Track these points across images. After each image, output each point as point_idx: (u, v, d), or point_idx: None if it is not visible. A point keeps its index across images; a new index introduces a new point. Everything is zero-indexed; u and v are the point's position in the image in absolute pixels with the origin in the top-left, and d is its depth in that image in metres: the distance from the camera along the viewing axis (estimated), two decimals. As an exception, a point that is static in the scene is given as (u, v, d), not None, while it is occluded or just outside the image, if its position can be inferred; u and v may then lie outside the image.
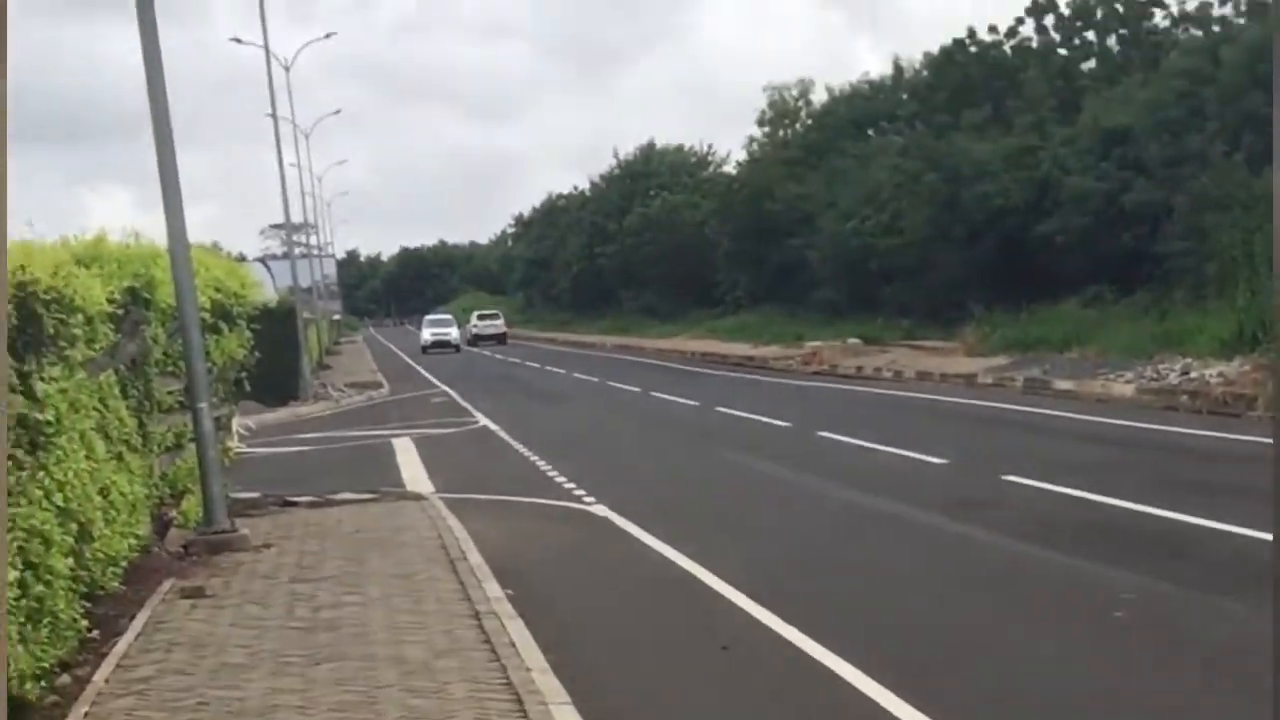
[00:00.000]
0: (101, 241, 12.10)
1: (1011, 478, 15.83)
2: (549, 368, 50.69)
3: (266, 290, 58.94)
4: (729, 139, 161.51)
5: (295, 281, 43.41)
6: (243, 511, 15.19)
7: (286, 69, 55.39)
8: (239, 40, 47.32)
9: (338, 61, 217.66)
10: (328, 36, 63.92)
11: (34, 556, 7.75)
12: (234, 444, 16.78)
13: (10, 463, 7.77)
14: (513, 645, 8.24)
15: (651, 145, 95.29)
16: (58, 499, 8.28)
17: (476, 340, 79.08)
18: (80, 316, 9.61)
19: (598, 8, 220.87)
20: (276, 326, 38.60)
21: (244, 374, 16.56)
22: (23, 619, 7.45)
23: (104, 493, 9.76)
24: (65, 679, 8.00)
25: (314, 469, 22.25)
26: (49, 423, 8.33)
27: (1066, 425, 22.34)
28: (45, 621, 7.84)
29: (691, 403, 30.13)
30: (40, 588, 7.76)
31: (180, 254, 12.52)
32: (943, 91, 51.52)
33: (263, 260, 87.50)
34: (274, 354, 38.30)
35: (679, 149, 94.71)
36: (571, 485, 17.39)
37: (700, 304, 75.23)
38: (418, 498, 16.04)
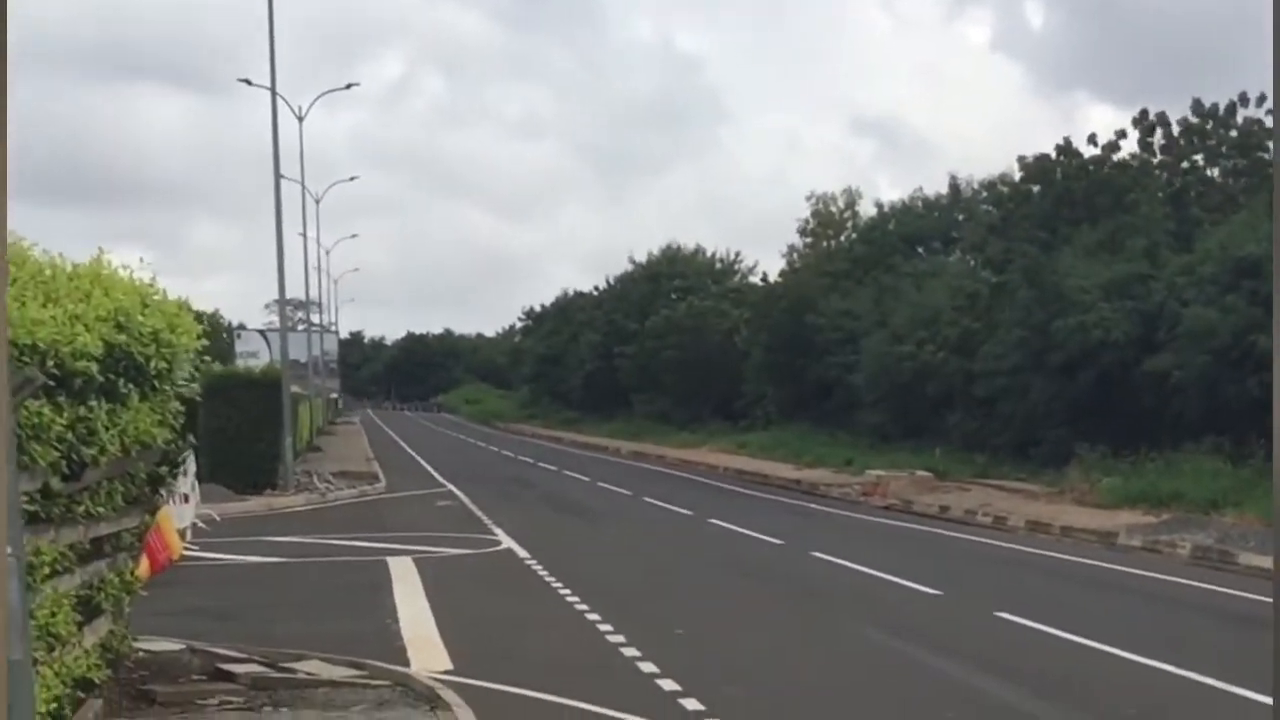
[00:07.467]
0: None
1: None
2: (567, 472, 44.60)
3: (260, 361, 53.11)
4: (752, 252, 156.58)
5: (284, 352, 36.93)
6: (142, 686, 9.50)
7: (300, 118, 50.49)
8: (248, 81, 40.61)
9: (364, 145, 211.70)
10: (348, 87, 58.68)
11: None
12: (179, 546, 10.85)
13: None
14: None
15: (675, 248, 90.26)
16: None
17: None
18: None
19: (632, 117, 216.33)
20: (258, 401, 32.81)
21: (167, 469, 10.23)
22: None
23: None
24: None
25: (277, 595, 16.47)
26: None
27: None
28: None
29: (772, 540, 23.45)
30: None
31: None
32: (1042, 202, 45.58)
33: (262, 332, 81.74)
34: (252, 432, 32.67)
35: (701, 253, 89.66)
36: (666, 681, 11.20)
37: (719, 414, 69.72)
38: (430, 697, 9.79)
